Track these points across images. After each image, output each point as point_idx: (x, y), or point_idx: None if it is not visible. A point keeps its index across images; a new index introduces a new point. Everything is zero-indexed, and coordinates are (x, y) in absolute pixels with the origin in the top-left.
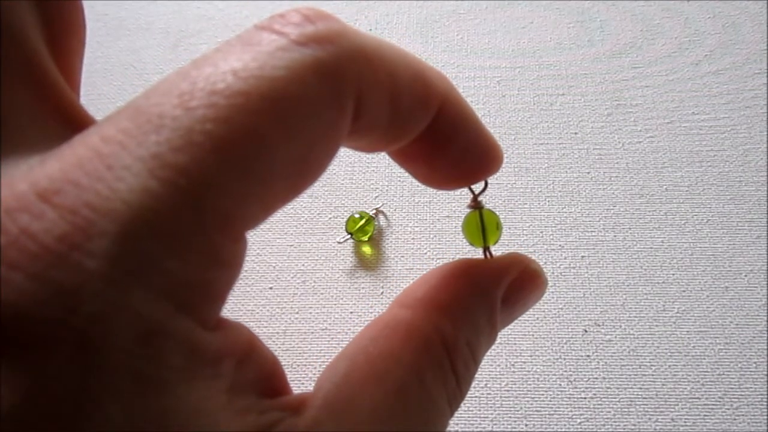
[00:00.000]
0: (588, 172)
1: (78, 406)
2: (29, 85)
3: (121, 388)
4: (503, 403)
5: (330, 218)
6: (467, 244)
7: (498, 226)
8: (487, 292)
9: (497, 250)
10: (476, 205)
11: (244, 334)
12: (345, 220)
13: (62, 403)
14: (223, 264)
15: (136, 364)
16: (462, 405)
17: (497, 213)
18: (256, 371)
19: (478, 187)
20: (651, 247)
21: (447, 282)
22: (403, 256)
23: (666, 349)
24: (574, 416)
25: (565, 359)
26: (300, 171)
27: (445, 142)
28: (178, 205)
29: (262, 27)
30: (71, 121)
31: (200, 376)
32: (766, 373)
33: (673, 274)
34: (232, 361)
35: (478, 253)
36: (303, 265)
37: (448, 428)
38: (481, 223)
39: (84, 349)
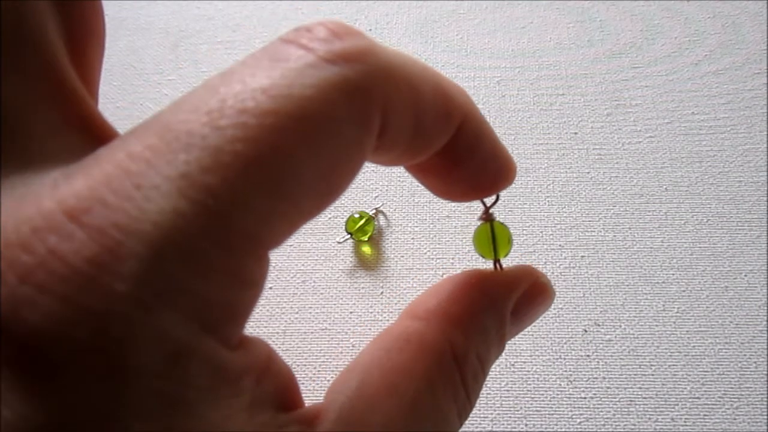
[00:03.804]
0: (588, 173)
1: (105, 428)
2: (49, 94)
3: (149, 410)
4: (503, 403)
5: (330, 218)
6: (467, 244)
7: (509, 240)
8: (498, 305)
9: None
10: (488, 217)
11: (263, 349)
12: (345, 220)
13: (90, 425)
14: (247, 284)
15: (163, 386)
16: None
17: (505, 223)
18: (274, 385)
19: (490, 200)
20: (651, 247)
21: (459, 294)
22: (403, 256)
23: (666, 349)
24: (574, 416)
25: (565, 359)
26: (325, 189)
27: (462, 157)
28: (206, 227)
29: (288, 41)
30: (92, 131)
31: (224, 394)
32: (766, 373)
33: (673, 274)
34: (252, 377)
35: (482, 261)
36: (303, 265)
37: None
38: (492, 236)
39: (112, 372)
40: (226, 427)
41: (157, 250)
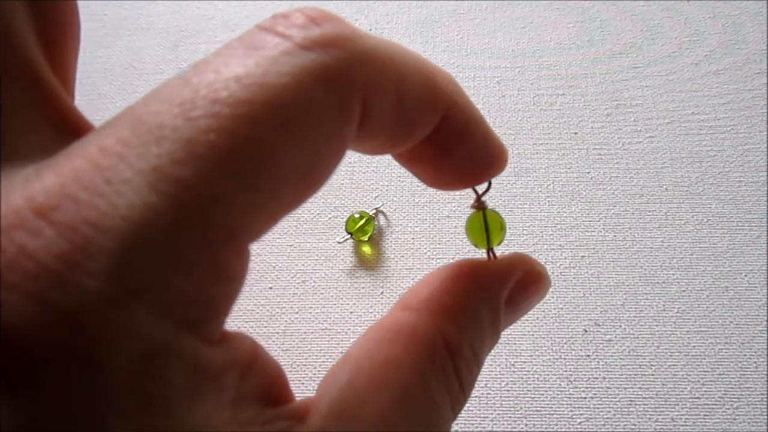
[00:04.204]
0: (588, 172)
1: (83, 428)
2: (23, 90)
3: (126, 408)
4: (503, 403)
5: (330, 218)
6: (467, 244)
7: (502, 227)
8: (491, 294)
9: (499, 250)
10: (480, 205)
11: (246, 344)
12: (345, 220)
13: (67, 426)
14: (226, 278)
15: (141, 384)
16: None
17: (500, 214)
18: (259, 380)
19: (482, 187)
20: (651, 247)
21: (451, 284)
22: (403, 256)
23: (666, 349)
24: (574, 416)
25: (565, 359)
26: (305, 179)
27: (451, 144)
28: (180, 221)
29: (265, 28)
30: (67, 127)
31: (204, 391)
32: (766, 373)
33: (673, 274)
34: (235, 373)
35: (479, 253)
36: (303, 265)
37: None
38: (485, 224)
39: (87, 371)
40: (208, 424)
41: (128, 246)
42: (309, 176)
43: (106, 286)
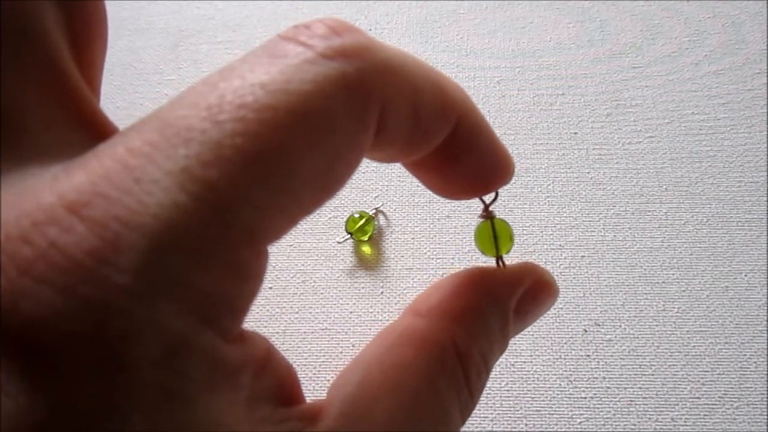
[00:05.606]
0: (588, 173)
1: (104, 420)
2: (50, 90)
3: (146, 401)
4: (503, 403)
5: (330, 218)
6: (467, 244)
7: (510, 237)
8: (500, 301)
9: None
10: (488, 215)
11: (262, 344)
12: (345, 220)
13: (88, 416)
14: (246, 278)
15: (161, 378)
16: None
17: (507, 221)
18: (273, 380)
19: (489, 197)
20: (651, 247)
21: (461, 290)
22: (403, 256)
23: (666, 349)
24: (574, 416)
25: (565, 359)
26: (324, 184)
27: (460, 154)
28: (206, 220)
29: (287, 38)
30: (92, 128)
31: (221, 388)
32: (766, 373)
33: (673, 274)
34: (250, 371)
35: (484, 260)
36: (303, 265)
37: None
38: (493, 233)
39: (111, 363)
40: (223, 420)
41: (156, 243)
42: (327, 181)
43: (135, 282)
